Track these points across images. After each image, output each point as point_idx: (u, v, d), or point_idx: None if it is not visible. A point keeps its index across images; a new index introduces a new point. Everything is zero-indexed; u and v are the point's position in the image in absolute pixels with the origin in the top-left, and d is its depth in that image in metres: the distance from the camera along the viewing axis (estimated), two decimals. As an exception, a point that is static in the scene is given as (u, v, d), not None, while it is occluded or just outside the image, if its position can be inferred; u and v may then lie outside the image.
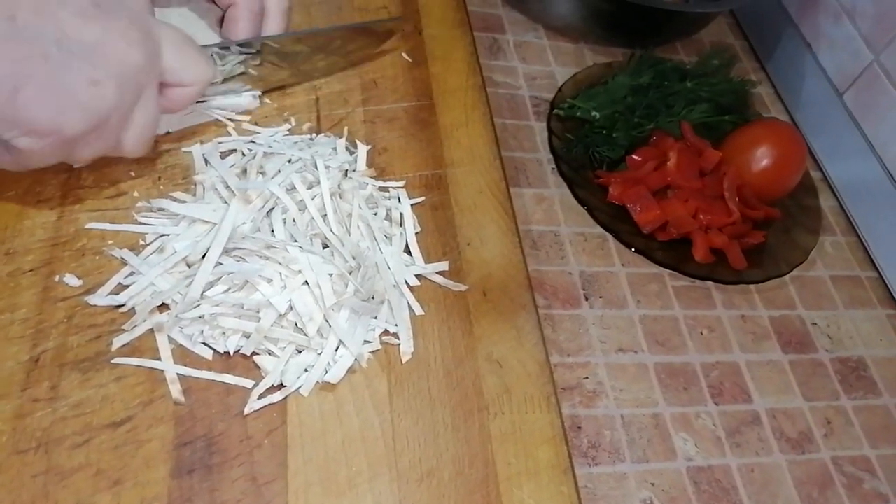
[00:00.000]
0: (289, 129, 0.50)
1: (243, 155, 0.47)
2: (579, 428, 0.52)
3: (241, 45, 0.48)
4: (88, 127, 0.37)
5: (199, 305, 0.39)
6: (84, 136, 0.37)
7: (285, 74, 0.52)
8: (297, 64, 0.51)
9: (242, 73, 0.49)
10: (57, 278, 0.40)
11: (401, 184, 0.49)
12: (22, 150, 0.36)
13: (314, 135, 0.50)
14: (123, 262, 0.41)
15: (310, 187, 0.44)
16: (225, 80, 0.49)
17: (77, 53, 0.35)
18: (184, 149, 0.47)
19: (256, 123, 0.50)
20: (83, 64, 0.35)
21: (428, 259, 0.47)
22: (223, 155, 0.47)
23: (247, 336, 0.40)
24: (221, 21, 0.52)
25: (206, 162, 0.46)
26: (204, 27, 0.51)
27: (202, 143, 0.47)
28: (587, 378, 0.54)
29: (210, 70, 0.43)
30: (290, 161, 0.46)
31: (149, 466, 0.36)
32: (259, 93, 0.51)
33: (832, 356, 0.61)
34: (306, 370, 0.40)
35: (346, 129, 0.51)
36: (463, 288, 0.46)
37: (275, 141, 0.48)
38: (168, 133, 0.47)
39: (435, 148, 0.52)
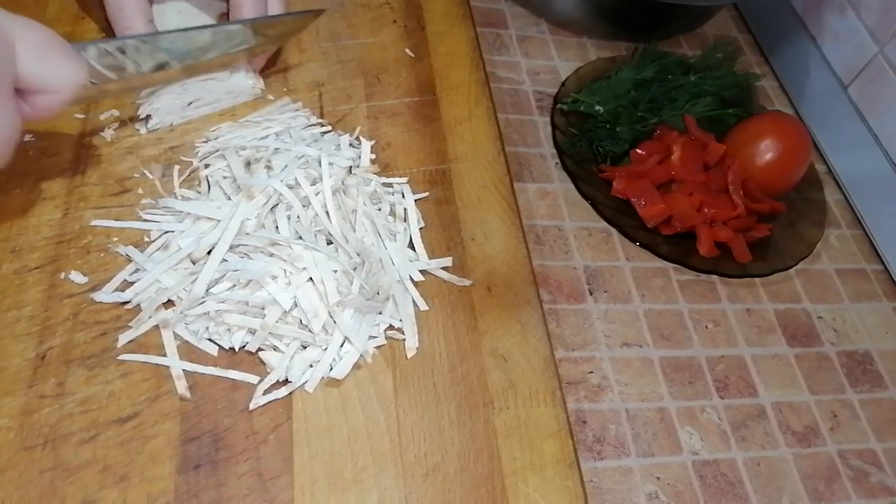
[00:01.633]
0: (296, 111, 0.50)
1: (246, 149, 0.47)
2: (584, 422, 0.52)
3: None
4: None
5: (204, 302, 0.39)
6: None
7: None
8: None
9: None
10: (63, 275, 0.40)
11: (404, 179, 0.49)
12: None
13: (323, 125, 0.50)
14: (128, 259, 0.41)
15: (314, 183, 0.44)
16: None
17: None
18: (196, 143, 0.47)
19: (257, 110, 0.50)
20: None
21: (432, 254, 0.47)
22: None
23: (252, 332, 0.40)
24: (221, 17, 0.52)
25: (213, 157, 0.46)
26: (205, 21, 0.51)
27: (208, 139, 0.47)
28: (592, 372, 0.54)
29: (78, 73, 0.38)
30: (298, 157, 0.46)
31: (155, 462, 0.36)
32: (258, 78, 0.51)
33: (838, 349, 0.61)
34: (311, 366, 0.40)
35: (356, 127, 0.51)
36: (467, 283, 0.46)
37: (292, 127, 0.48)
38: (171, 126, 0.47)
39: (438, 143, 0.52)
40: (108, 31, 0.49)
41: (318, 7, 0.52)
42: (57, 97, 0.37)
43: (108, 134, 0.46)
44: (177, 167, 0.46)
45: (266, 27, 0.49)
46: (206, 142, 0.47)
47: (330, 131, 0.50)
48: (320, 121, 0.51)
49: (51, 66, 0.37)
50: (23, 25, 0.36)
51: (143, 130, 0.47)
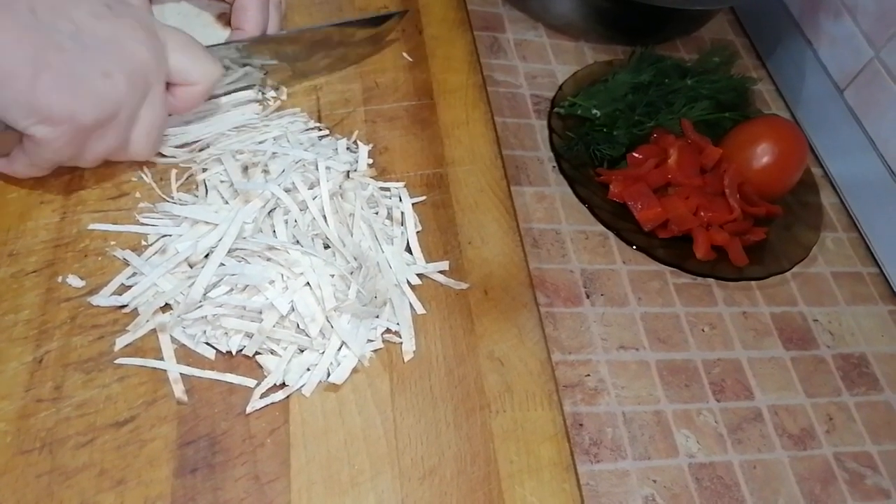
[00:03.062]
0: (294, 115, 0.50)
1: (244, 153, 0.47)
2: (581, 425, 0.52)
3: (243, 43, 0.48)
4: (100, 117, 0.38)
5: (201, 306, 0.39)
6: (96, 127, 0.38)
7: (287, 73, 0.52)
8: (298, 62, 0.52)
9: (245, 73, 0.49)
10: (60, 279, 0.41)
11: (402, 183, 0.49)
12: (37, 142, 0.37)
13: (321, 129, 0.50)
14: (126, 263, 0.41)
15: (311, 187, 0.44)
16: (228, 81, 0.49)
17: (90, 47, 0.37)
18: (194, 147, 0.47)
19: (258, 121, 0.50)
20: (96, 57, 0.37)
21: (429, 258, 0.47)
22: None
23: (249, 336, 0.40)
24: (220, 17, 0.52)
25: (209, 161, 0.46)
26: (202, 24, 0.51)
27: (206, 144, 0.47)
28: (589, 375, 0.55)
29: (216, 69, 0.44)
30: (295, 161, 0.46)
31: (152, 466, 0.36)
32: (261, 94, 0.51)
33: (834, 352, 0.61)
34: (308, 369, 0.40)
35: (353, 130, 0.51)
36: (464, 286, 0.46)
37: (290, 131, 0.48)
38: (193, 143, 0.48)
39: (436, 147, 0.53)
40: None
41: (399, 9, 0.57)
42: (198, 89, 0.43)
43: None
44: (174, 171, 0.46)
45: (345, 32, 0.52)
46: (204, 147, 0.47)
47: (327, 135, 0.50)
48: (318, 125, 0.51)
49: (194, 62, 0.42)
50: (168, 27, 0.42)
51: None
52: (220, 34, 0.51)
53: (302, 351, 0.41)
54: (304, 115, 0.51)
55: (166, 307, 0.40)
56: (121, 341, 0.39)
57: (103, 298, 0.40)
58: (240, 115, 0.49)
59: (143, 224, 0.43)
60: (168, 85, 0.42)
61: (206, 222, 0.42)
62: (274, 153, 0.46)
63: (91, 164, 0.41)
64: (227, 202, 0.44)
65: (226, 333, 0.40)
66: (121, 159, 0.43)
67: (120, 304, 0.40)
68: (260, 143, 0.47)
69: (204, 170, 0.46)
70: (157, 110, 0.41)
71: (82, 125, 0.38)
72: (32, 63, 0.35)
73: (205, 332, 0.40)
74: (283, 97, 0.52)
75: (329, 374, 0.40)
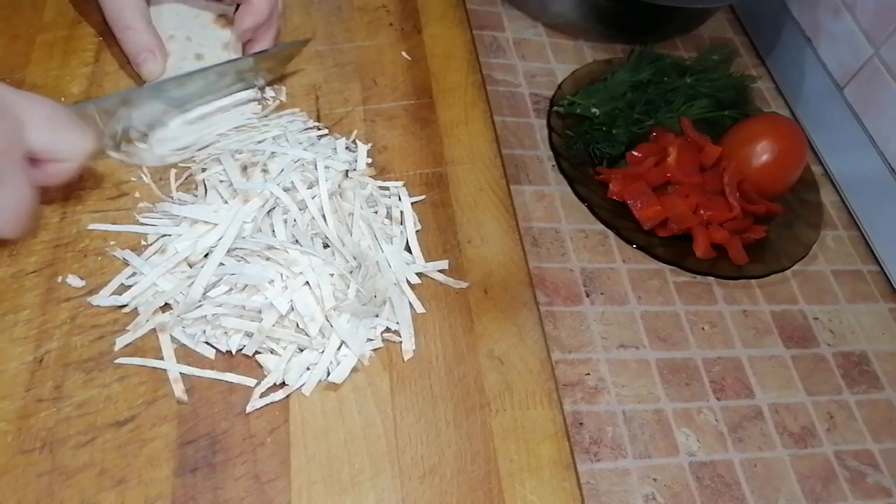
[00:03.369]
0: (293, 115, 0.50)
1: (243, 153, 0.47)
2: (581, 424, 0.52)
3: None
4: None
5: (201, 305, 0.40)
6: None
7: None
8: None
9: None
10: (60, 279, 0.41)
11: (401, 182, 0.49)
12: None
13: (320, 129, 0.50)
14: (125, 263, 0.42)
15: (310, 187, 0.44)
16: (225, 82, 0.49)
17: None
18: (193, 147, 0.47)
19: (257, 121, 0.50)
20: None
21: (429, 257, 0.47)
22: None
23: (249, 335, 0.40)
24: (219, 18, 0.52)
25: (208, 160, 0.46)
26: (200, 25, 0.51)
27: (207, 145, 0.47)
28: (589, 374, 0.55)
29: (84, 143, 0.40)
30: (294, 161, 0.46)
31: (152, 465, 0.36)
32: (259, 94, 0.51)
33: (834, 350, 0.61)
34: (308, 369, 0.40)
35: (352, 130, 0.51)
36: (464, 285, 0.46)
37: (289, 131, 0.48)
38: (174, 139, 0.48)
39: (435, 146, 0.53)
40: (106, 33, 0.50)
41: (305, 37, 0.54)
42: (68, 165, 0.40)
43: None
44: (173, 171, 0.46)
45: (260, 61, 0.50)
46: (203, 147, 0.47)
47: (326, 135, 0.50)
48: (317, 124, 0.51)
49: (59, 138, 0.39)
50: (30, 101, 0.38)
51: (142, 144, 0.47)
52: (219, 34, 0.51)
53: (301, 350, 0.41)
54: (303, 115, 0.51)
55: (166, 307, 0.40)
56: (121, 341, 0.39)
57: (103, 298, 0.40)
58: (239, 115, 0.49)
59: (142, 224, 0.43)
60: (36, 161, 0.38)
61: (206, 222, 0.42)
62: (273, 153, 0.46)
63: None
64: (226, 202, 0.44)
65: (225, 333, 0.40)
66: None
67: (120, 304, 0.40)
68: (259, 142, 0.47)
69: (203, 169, 0.46)
70: (17, 193, 0.37)
71: None
72: None
73: (204, 331, 0.40)
74: (282, 97, 0.52)
75: (329, 374, 0.40)
